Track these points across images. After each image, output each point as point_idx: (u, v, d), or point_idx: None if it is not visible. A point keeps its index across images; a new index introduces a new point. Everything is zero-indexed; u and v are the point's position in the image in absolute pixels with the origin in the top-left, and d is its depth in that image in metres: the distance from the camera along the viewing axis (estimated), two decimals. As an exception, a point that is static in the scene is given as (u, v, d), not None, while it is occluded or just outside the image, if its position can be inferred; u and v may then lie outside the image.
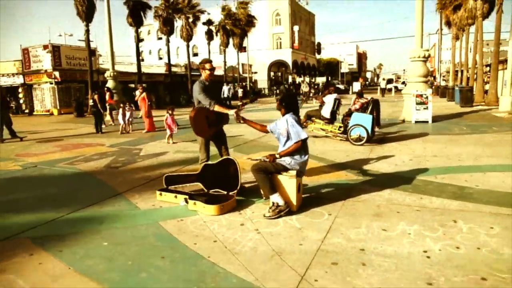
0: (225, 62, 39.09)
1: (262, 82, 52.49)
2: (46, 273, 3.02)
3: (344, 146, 8.47)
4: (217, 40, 40.53)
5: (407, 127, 11.81)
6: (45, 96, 25.19)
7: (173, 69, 35.31)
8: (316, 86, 42.22)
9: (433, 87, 31.31)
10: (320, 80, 64.30)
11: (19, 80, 26.14)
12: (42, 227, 4.06)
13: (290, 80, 55.54)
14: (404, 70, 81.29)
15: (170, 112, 10.18)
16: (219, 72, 36.57)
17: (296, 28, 55.52)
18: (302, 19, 60.76)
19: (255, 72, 50.61)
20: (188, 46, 34.18)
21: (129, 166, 7.26)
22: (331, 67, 73.71)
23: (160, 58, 59.68)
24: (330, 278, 2.80)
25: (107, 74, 19.28)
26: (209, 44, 38.29)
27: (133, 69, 30.29)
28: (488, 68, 26.09)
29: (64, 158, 8.24)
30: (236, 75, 42.53)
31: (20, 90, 26.09)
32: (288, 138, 4.28)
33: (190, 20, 33.53)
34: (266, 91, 48.36)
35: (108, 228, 3.97)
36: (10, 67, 26.47)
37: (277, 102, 4.49)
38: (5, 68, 26.55)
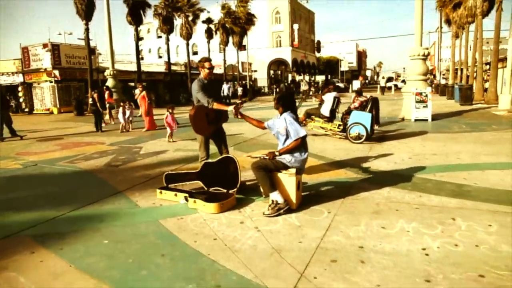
0: (224, 60, 39.08)
1: (262, 81, 52.49)
2: (47, 271, 3.04)
3: (344, 144, 8.49)
4: (216, 38, 40.51)
5: (406, 125, 11.83)
6: (45, 95, 25.21)
7: (173, 67, 35.33)
8: (316, 85, 42.23)
9: (433, 85, 31.33)
10: (320, 78, 64.31)
11: (19, 79, 26.17)
12: (43, 225, 4.09)
13: (290, 78, 55.54)
14: (404, 68, 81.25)
15: (170, 110, 10.21)
16: (219, 70, 36.57)
17: (296, 26, 55.48)
18: (302, 17, 60.71)
19: (255, 71, 50.58)
20: (187, 44, 34.18)
21: (129, 164, 7.28)
22: (331, 66, 73.70)
23: (160, 57, 59.67)
24: (329, 275, 2.82)
25: (107, 72, 19.27)
26: (208, 42, 38.25)
27: (133, 67, 30.32)
28: (488, 66, 26.11)
29: (64, 157, 8.26)
30: (236, 73, 42.52)
31: (20, 89, 26.12)
32: (287, 136, 4.30)
33: (190, 18, 33.53)
34: (266, 89, 48.37)
35: (108, 226, 3.99)
36: (9, 66, 26.49)
37: (274, 101, 4.52)
38: (5, 67, 26.57)
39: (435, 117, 13.03)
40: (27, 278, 2.93)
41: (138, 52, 29.54)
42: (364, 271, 2.86)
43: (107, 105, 15.25)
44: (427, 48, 14.01)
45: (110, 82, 18.61)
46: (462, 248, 3.18)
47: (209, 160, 5.03)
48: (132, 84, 26.92)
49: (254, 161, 4.37)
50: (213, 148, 5.25)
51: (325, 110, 9.80)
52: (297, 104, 4.69)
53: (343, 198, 4.58)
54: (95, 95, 13.13)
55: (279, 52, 55.77)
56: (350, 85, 47.87)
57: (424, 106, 12.71)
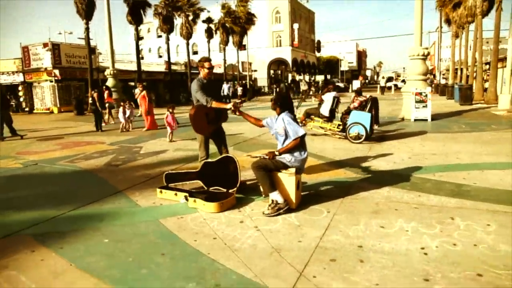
0: (225, 60, 39.08)
1: (262, 80, 52.50)
2: (48, 270, 3.06)
3: (343, 144, 8.50)
4: (217, 38, 40.51)
5: (406, 125, 11.84)
6: (45, 94, 25.23)
7: (173, 67, 35.34)
8: (316, 84, 42.24)
9: (433, 85, 31.33)
10: (320, 78, 64.30)
11: (19, 78, 26.18)
12: (43, 224, 4.10)
13: (290, 78, 55.54)
14: (404, 68, 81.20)
15: (170, 110, 10.22)
16: (219, 70, 36.58)
17: (296, 26, 55.47)
18: (302, 17, 60.69)
19: (255, 70, 50.60)
20: (188, 44, 34.18)
21: (129, 164, 7.29)
22: (331, 65, 73.70)
23: (160, 56, 59.67)
24: (328, 274, 2.84)
25: (107, 72, 19.26)
26: (209, 42, 38.26)
27: (133, 67, 30.32)
28: (487, 66, 26.11)
29: (64, 156, 8.27)
30: (236, 73, 42.54)
31: (20, 88, 26.14)
32: (286, 136, 4.33)
33: (190, 18, 33.53)
34: (266, 89, 48.37)
35: (108, 226, 4.00)
36: (10, 65, 26.50)
37: (271, 102, 4.54)
38: (5, 66, 26.58)
39: (434, 117, 13.04)
40: (27, 277, 2.94)
41: (138, 51, 29.56)
42: (363, 270, 2.87)
43: (107, 105, 15.26)
44: (426, 48, 14.02)
45: (110, 82, 18.61)
46: (460, 247, 3.19)
47: (209, 160, 5.05)
48: (132, 83, 26.95)
49: (254, 160, 4.38)
50: (213, 147, 5.26)
51: (325, 110, 9.81)
52: (296, 104, 4.72)
53: (343, 198, 4.60)
54: (95, 95, 13.15)
55: (279, 52, 55.77)
56: (350, 85, 47.90)
57: (423, 106, 12.73)
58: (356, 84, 43.34)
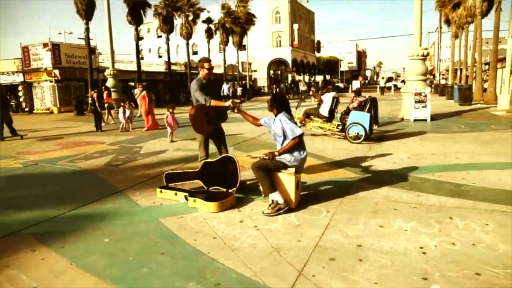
0: (224, 60, 39.10)
1: (262, 81, 52.52)
2: (49, 269, 3.07)
3: (343, 144, 8.52)
4: (216, 38, 40.53)
5: (405, 125, 11.86)
6: (45, 94, 25.24)
7: (173, 67, 35.35)
8: (316, 85, 42.26)
9: (433, 86, 31.35)
10: (319, 78, 64.33)
11: (19, 78, 26.20)
12: (44, 224, 4.12)
13: (290, 78, 55.56)
14: (403, 68, 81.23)
15: (170, 110, 10.24)
16: (218, 70, 36.60)
17: (295, 26, 55.50)
18: (301, 17, 60.72)
19: (255, 71, 50.61)
20: (187, 44, 34.20)
21: (129, 164, 7.31)
22: (330, 66, 73.75)
23: (160, 56, 59.69)
24: (327, 273, 2.85)
25: (107, 72, 19.27)
26: (208, 42, 38.28)
27: (133, 67, 30.34)
28: (487, 67, 26.13)
29: (64, 156, 8.29)
30: (236, 73, 42.54)
31: (20, 88, 26.15)
32: (285, 137, 4.35)
33: (190, 18, 33.55)
34: (266, 89, 48.37)
35: (109, 225, 4.02)
36: (10, 65, 26.52)
37: (268, 104, 4.56)
38: (5, 66, 26.60)
39: (434, 117, 13.06)
40: (28, 276, 2.96)
41: (138, 51, 29.57)
42: (362, 269, 2.89)
43: (106, 105, 15.27)
44: (426, 48, 14.03)
45: (110, 82, 18.61)
46: (459, 246, 3.21)
47: (209, 160, 5.07)
48: (132, 83, 26.96)
49: (254, 161, 4.40)
50: (212, 147, 5.28)
51: (324, 110, 9.83)
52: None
53: (342, 198, 4.62)
54: (95, 95, 13.17)
55: (279, 52, 55.80)
56: (350, 85, 47.93)
57: (423, 106, 12.75)
58: (355, 84, 43.37)
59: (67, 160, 7.81)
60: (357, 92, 10.62)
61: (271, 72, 58.50)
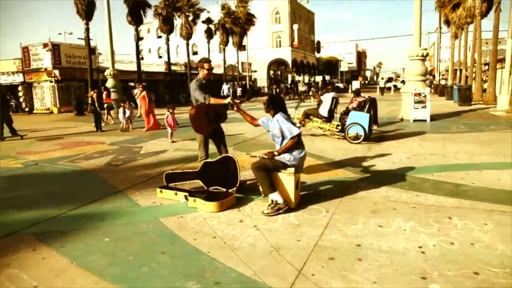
0: (224, 60, 39.13)
1: (262, 81, 52.53)
2: (49, 268, 3.09)
3: (342, 145, 8.54)
4: (216, 38, 40.56)
5: (405, 125, 11.88)
6: (45, 95, 25.26)
7: (173, 67, 35.37)
8: (316, 85, 42.28)
9: (432, 86, 31.37)
10: (319, 78, 64.37)
11: (19, 78, 26.21)
12: (44, 223, 4.13)
13: (290, 78, 55.58)
14: (403, 69, 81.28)
15: (170, 110, 10.25)
16: (218, 70, 36.61)
17: (295, 26, 55.52)
18: (301, 17, 60.76)
19: (255, 71, 50.63)
20: (187, 44, 34.22)
21: (129, 164, 7.32)
22: (330, 66, 73.78)
23: (160, 57, 59.71)
24: (326, 272, 2.87)
25: (107, 72, 19.27)
26: (208, 42, 38.31)
27: (133, 67, 30.36)
28: (486, 67, 26.15)
29: (65, 156, 8.30)
30: (235, 73, 42.57)
31: (20, 88, 26.16)
32: (283, 137, 4.37)
33: (190, 18, 33.57)
34: (266, 89, 48.38)
35: (109, 225, 4.03)
36: (10, 66, 26.53)
37: (264, 106, 4.58)
38: (5, 66, 26.62)
39: (433, 117, 13.08)
40: (29, 275, 2.97)
41: (138, 52, 29.59)
42: (361, 268, 2.91)
43: (105, 105, 15.28)
44: (425, 49, 14.05)
45: (110, 82, 18.62)
46: (457, 246, 3.23)
47: (209, 160, 5.08)
48: (132, 84, 26.98)
49: (254, 161, 4.41)
50: (212, 147, 5.30)
51: (324, 111, 9.84)
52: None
53: (341, 197, 4.63)
54: (94, 95, 13.19)
55: (279, 52, 55.83)
56: (350, 86, 47.95)
57: (422, 107, 12.77)
58: (355, 84, 43.40)
59: (67, 160, 7.82)
60: (357, 93, 10.65)
61: (271, 72, 58.52)
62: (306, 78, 60.22)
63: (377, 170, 6.09)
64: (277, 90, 38.45)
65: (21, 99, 26.22)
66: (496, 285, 2.62)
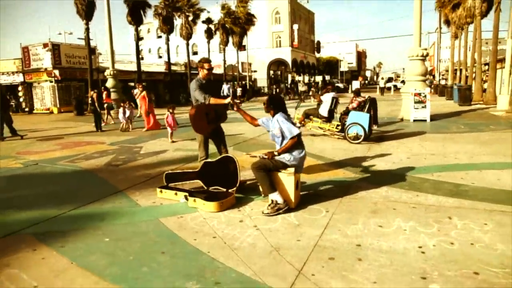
0: (224, 60, 39.13)
1: (262, 81, 52.53)
2: (49, 268, 3.09)
3: (342, 145, 8.54)
4: (216, 38, 40.56)
5: (405, 125, 11.88)
6: (45, 95, 25.26)
7: (173, 67, 35.36)
8: (316, 85, 42.30)
9: (432, 86, 31.37)
10: (319, 79, 64.38)
11: (19, 78, 26.21)
12: (44, 223, 4.13)
13: (290, 78, 55.59)
14: (403, 69, 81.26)
15: (171, 110, 10.25)
16: (218, 70, 36.61)
17: (295, 26, 55.52)
18: (301, 17, 60.76)
19: (255, 71, 50.64)
20: (187, 44, 34.22)
21: (129, 164, 7.32)
22: (330, 66, 73.77)
23: (160, 57, 59.71)
24: (326, 272, 2.87)
25: (107, 72, 19.27)
26: (208, 42, 38.31)
27: (133, 67, 30.36)
28: (486, 67, 26.15)
29: (65, 156, 8.30)
30: (235, 73, 42.57)
31: (20, 88, 26.16)
32: (283, 137, 4.37)
33: (190, 18, 33.57)
34: (266, 89, 48.38)
35: (109, 225, 4.03)
36: (10, 66, 26.54)
37: (264, 106, 4.58)
38: (5, 66, 26.62)
39: (433, 117, 13.08)
40: (29, 275, 2.97)
41: (138, 52, 29.59)
42: (361, 268, 2.91)
43: (105, 105, 15.28)
44: (425, 49, 14.05)
45: (110, 82, 18.62)
46: (457, 246, 3.23)
47: (209, 160, 5.08)
48: (132, 84, 26.99)
49: (254, 161, 4.42)
50: (212, 147, 5.30)
51: (324, 111, 9.84)
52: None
53: (341, 198, 4.63)
54: (94, 95, 13.19)
55: (279, 53, 55.83)
56: (350, 86, 47.95)
57: (422, 107, 12.77)
58: (355, 84, 43.41)
59: (67, 160, 7.82)
60: (357, 93, 10.64)
61: (271, 72, 58.52)
62: (306, 78, 60.20)
63: (377, 170, 6.09)
64: (277, 90, 38.44)
65: (21, 99, 26.22)
66: (496, 285, 2.62)
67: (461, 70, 30.83)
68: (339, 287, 2.66)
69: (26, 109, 26.04)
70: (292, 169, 4.30)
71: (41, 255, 3.32)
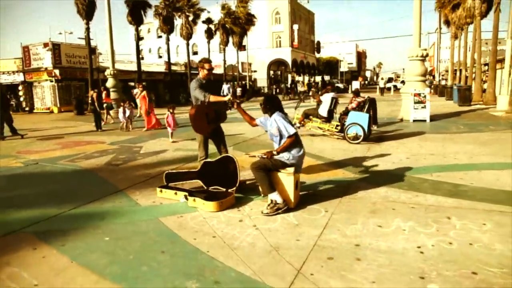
0: (224, 60, 39.14)
1: (262, 81, 52.54)
2: (49, 267, 3.10)
3: (342, 145, 8.55)
4: (217, 38, 40.57)
5: (405, 126, 11.89)
6: (45, 94, 25.28)
7: (173, 67, 35.37)
8: (316, 85, 42.31)
9: (432, 86, 31.37)
10: (319, 79, 64.38)
11: (19, 78, 26.24)
12: (45, 222, 4.15)
13: (290, 79, 55.60)
14: (403, 69, 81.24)
15: (171, 110, 10.26)
16: (218, 70, 36.62)
17: (295, 26, 55.53)
18: (301, 17, 60.76)
19: (255, 71, 50.65)
20: (188, 44, 34.23)
21: (129, 163, 7.34)
22: (330, 66, 73.76)
23: (160, 57, 59.72)
24: (325, 272, 2.88)
25: (107, 72, 19.28)
26: (209, 42, 38.32)
27: (133, 67, 30.36)
28: (486, 67, 26.16)
29: (65, 156, 8.31)
30: (235, 73, 42.58)
31: (20, 88, 26.18)
32: (281, 136, 4.39)
33: (190, 18, 33.57)
34: (266, 89, 48.38)
35: (109, 224, 4.05)
36: (10, 65, 26.56)
37: (261, 107, 4.60)
38: (6, 66, 26.64)
39: (433, 117, 13.09)
40: (29, 274, 2.99)
41: (138, 52, 29.60)
42: (360, 268, 2.92)
43: (105, 105, 15.29)
44: (425, 49, 14.06)
45: (110, 82, 18.63)
46: (456, 246, 3.24)
47: (209, 160, 5.10)
48: (132, 83, 27.00)
49: (254, 161, 4.43)
50: (212, 147, 5.31)
51: (323, 111, 9.85)
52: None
53: (341, 198, 4.64)
54: (94, 95, 13.21)
55: (279, 53, 55.83)
56: (350, 86, 47.96)
57: (422, 107, 12.78)
58: (355, 85, 43.41)
59: (67, 160, 7.83)
60: (356, 93, 10.65)
61: (271, 72, 58.54)
62: (306, 78, 60.19)
63: (376, 170, 6.10)
64: (277, 90, 38.45)
65: (21, 99, 26.25)
66: (495, 285, 2.63)
67: (461, 70, 30.84)
68: (338, 287, 2.68)
69: (27, 109, 26.06)
70: (291, 169, 4.32)
71: (41, 254, 3.33)
